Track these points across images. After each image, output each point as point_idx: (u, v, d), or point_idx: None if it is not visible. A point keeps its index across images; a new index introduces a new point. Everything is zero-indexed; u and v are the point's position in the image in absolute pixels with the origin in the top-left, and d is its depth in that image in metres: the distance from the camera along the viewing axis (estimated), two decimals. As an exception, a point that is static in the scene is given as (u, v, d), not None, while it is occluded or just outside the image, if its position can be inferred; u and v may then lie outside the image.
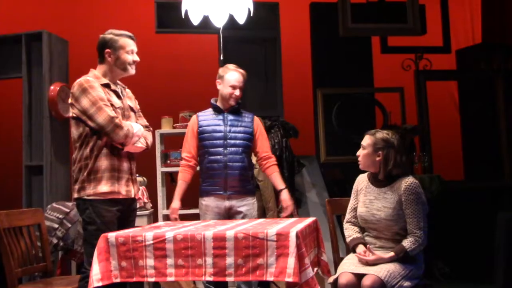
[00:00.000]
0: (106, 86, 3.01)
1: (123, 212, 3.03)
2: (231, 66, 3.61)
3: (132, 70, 3.09)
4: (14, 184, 5.16)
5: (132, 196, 3.07)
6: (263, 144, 3.66)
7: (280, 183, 3.61)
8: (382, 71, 5.94)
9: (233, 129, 3.55)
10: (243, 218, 3.50)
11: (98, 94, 2.91)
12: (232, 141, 3.52)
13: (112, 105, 2.96)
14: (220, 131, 3.51)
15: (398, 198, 2.92)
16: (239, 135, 3.56)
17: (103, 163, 2.93)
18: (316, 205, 5.09)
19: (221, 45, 3.63)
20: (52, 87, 4.87)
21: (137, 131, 3.00)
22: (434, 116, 5.89)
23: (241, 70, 3.61)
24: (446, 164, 6.10)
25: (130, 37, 3.07)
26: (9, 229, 3.17)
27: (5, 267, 3.06)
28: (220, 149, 3.50)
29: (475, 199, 5.31)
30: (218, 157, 3.47)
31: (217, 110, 3.60)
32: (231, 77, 3.54)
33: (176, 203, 3.53)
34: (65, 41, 5.22)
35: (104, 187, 2.92)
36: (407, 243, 2.85)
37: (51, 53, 4.96)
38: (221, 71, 3.60)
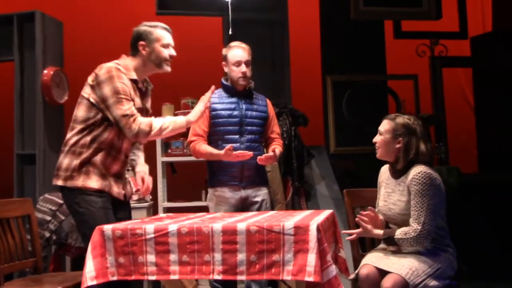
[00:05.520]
0: (133, 82, 2.75)
1: (115, 206, 2.76)
2: (233, 43, 3.35)
3: (167, 67, 2.82)
4: (5, 174, 4.91)
5: (123, 199, 2.80)
6: (275, 129, 3.44)
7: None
8: (395, 57, 5.70)
9: (249, 113, 3.28)
10: (258, 208, 3.25)
11: (123, 86, 2.65)
12: (249, 128, 3.26)
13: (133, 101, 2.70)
14: (236, 116, 3.23)
15: (408, 189, 2.62)
16: (256, 121, 3.29)
17: (98, 158, 2.67)
18: (326, 198, 4.81)
19: (230, 18, 3.30)
20: (45, 71, 4.62)
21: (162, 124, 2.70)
22: (447, 105, 5.62)
23: (244, 45, 3.34)
24: (460, 156, 5.85)
25: (165, 29, 2.82)
26: (-6, 221, 2.88)
27: (-11, 262, 2.78)
28: (236, 136, 3.22)
29: (493, 193, 5.07)
30: (234, 145, 3.15)
31: (230, 92, 3.31)
32: (234, 53, 3.28)
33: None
34: (59, 22, 4.95)
35: (94, 182, 2.66)
36: (399, 230, 2.59)
37: (44, 35, 4.70)
38: (224, 50, 3.36)
